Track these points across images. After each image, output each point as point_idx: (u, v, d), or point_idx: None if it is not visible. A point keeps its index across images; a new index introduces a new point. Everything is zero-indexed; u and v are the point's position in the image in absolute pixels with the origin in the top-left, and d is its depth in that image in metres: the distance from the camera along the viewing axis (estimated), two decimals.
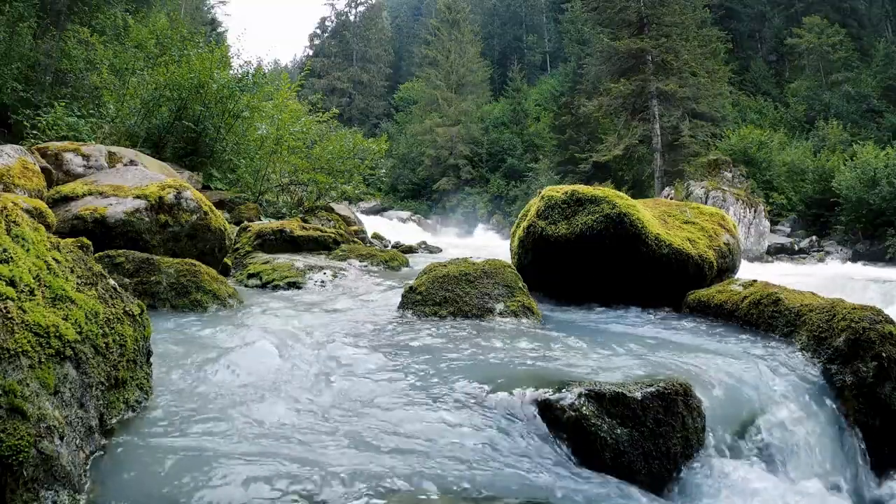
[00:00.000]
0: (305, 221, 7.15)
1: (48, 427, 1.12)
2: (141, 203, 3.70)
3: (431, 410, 1.68)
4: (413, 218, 33.13)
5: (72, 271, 1.50)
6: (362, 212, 20.81)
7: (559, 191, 3.51)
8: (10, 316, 1.16)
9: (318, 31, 58.10)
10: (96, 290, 1.54)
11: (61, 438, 1.15)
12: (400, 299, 3.11)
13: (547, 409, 1.68)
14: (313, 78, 43.74)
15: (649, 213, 3.57)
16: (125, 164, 5.73)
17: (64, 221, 3.46)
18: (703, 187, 22.18)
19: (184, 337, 2.35)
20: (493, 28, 54.93)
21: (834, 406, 2.13)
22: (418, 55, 47.58)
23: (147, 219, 3.67)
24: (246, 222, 6.40)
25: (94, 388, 1.35)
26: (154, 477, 1.23)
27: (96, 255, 2.68)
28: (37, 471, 1.06)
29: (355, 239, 6.91)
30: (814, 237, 22.77)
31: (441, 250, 10.86)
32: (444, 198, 39.06)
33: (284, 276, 4.07)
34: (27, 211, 2.86)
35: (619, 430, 1.64)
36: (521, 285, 3.08)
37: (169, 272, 2.93)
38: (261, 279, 4.09)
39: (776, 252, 21.07)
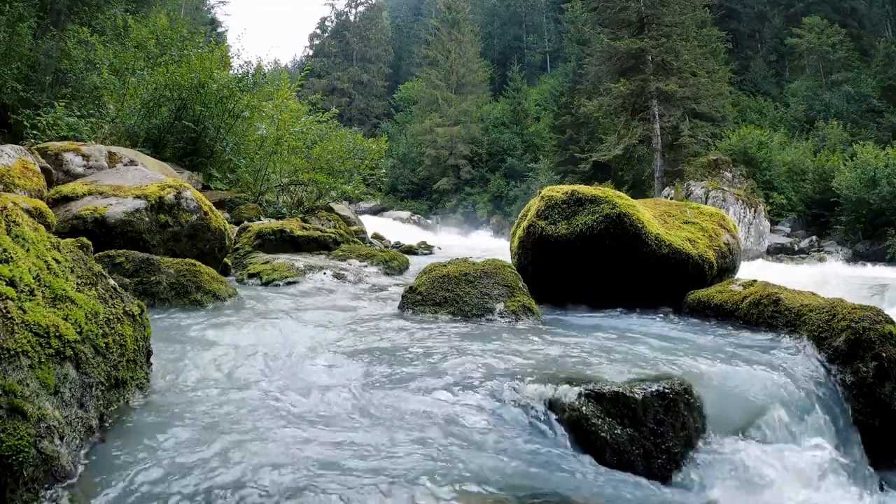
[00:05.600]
0: (305, 221, 7.15)
1: (48, 427, 1.12)
2: (141, 203, 3.70)
3: (433, 409, 1.68)
4: (413, 218, 33.16)
5: (72, 271, 1.50)
6: (362, 212, 20.81)
7: (559, 191, 3.51)
8: (10, 316, 1.16)
9: (318, 32, 58.12)
10: (96, 290, 1.54)
11: (61, 438, 1.15)
12: (400, 299, 3.11)
13: (547, 409, 1.68)
14: (313, 78, 43.76)
15: (649, 213, 3.57)
16: (125, 164, 5.73)
17: (64, 221, 3.46)
18: (703, 187, 22.20)
19: (184, 337, 2.35)
20: (493, 28, 54.95)
21: (834, 406, 2.13)
22: (418, 55, 47.61)
23: (147, 219, 3.67)
24: (246, 222, 6.40)
25: (94, 388, 1.35)
26: (152, 475, 1.23)
27: (96, 255, 2.68)
28: (37, 471, 1.06)
29: (355, 239, 6.91)
30: (814, 237, 22.79)
31: (441, 250, 10.85)
32: (444, 198, 39.09)
33: (284, 275, 4.08)
34: (27, 211, 2.85)
35: (618, 430, 1.64)
36: (521, 285, 3.08)
37: (169, 272, 2.92)
38: (261, 279, 4.09)
39: (776, 252, 21.09)
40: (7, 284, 1.22)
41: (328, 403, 1.72)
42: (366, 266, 4.83)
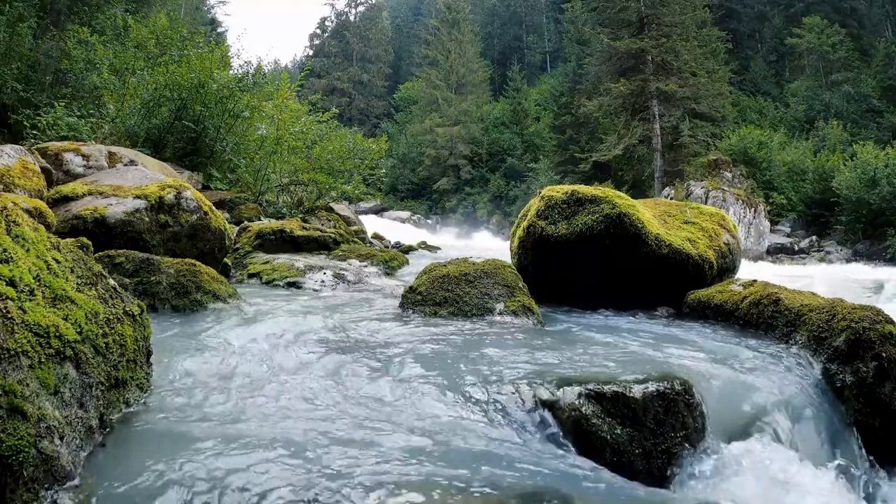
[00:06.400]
0: (305, 221, 7.15)
1: (48, 427, 1.12)
2: (141, 203, 3.70)
3: (432, 409, 1.68)
4: (413, 218, 33.20)
5: (72, 271, 1.50)
6: (362, 212, 20.81)
7: (559, 191, 3.51)
8: (10, 316, 1.16)
9: (318, 32, 58.16)
10: (96, 290, 1.54)
11: (61, 438, 1.15)
12: (400, 299, 3.11)
13: (547, 409, 1.68)
14: (313, 78, 43.78)
15: (649, 213, 3.57)
16: (125, 164, 5.73)
17: (64, 221, 3.46)
18: (703, 187, 22.22)
19: (183, 337, 2.35)
20: (493, 28, 54.99)
21: (834, 406, 2.14)
22: (418, 55, 47.65)
23: (147, 219, 3.67)
24: (246, 222, 6.40)
25: (94, 388, 1.35)
26: (152, 476, 1.23)
27: (96, 255, 2.68)
28: (37, 471, 1.06)
29: (355, 239, 6.91)
30: (814, 237, 22.81)
31: (441, 250, 10.86)
32: (444, 198, 39.11)
33: (284, 275, 4.08)
34: (27, 211, 2.86)
35: (618, 430, 1.64)
36: (521, 285, 3.08)
37: (169, 272, 2.92)
38: (261, 279, 4.09)
39: (776, 252, 21.11)
40: (7, 284, 1.22)
41: (328, 403, 1.72)
42: (366, 266, 4.83)
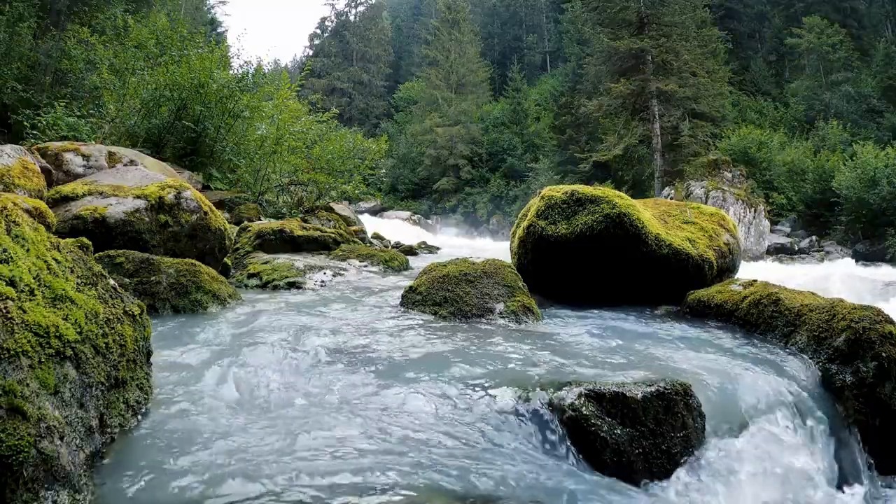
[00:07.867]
0: (305, 221, 7.15)
1: (48, 427, 1.12)
2: (141, 203, 3.70)
3: (431, 409, 1.68)
4: (413, 218, 33.16)
5: (72, 271, 1.50)
6: (362, 212, 20.79)
7: (559, 191, 3.51)
8: (10, 316, 1.16)
9: (318, 31, 58.25)
10: (96, 290, 1.54)
11: (61, 438, 1.15)
12: (400, 299, 3.11)
13: (547, 409, 1.68)
14: (313, 78, 43.78)
15: (649, 213, 3.57)
16: (125, 164, 5.73)
17: (64, 221, 3.46)
18: (703, 187, 22.20)
19: (184, 337, 2.35)
20: (493, 28, 55.01)
21: (834, 406, 2.13)
22: (418, 55, 47.70)
23: (147, 219, 3.67)
24: (246, 222, 6.40)
25: (94, 388, 1.35)
26: (153, 477, 1.23)
27: (96, 255, 2.68)
28: (37, 471, 1.06)
29: (355, 239, 6.91)
30: (814, 237, 22.79)
31: (441, 250, 10.86)
32: (444, 198, 39.10)
33: (284, 275, 4.07)
34: (27, 211, 2.85)
35: (618, 430, 1.64)
36: (521, 285, 3.08)
37: (169, 272, 2.92)
38: (261, 279, 4.09)
39: (776, 252, 21.10)
40: (7, 284, 1.22)
41: (327, 403, 1.72)
42: (366, 266, 4.83)
